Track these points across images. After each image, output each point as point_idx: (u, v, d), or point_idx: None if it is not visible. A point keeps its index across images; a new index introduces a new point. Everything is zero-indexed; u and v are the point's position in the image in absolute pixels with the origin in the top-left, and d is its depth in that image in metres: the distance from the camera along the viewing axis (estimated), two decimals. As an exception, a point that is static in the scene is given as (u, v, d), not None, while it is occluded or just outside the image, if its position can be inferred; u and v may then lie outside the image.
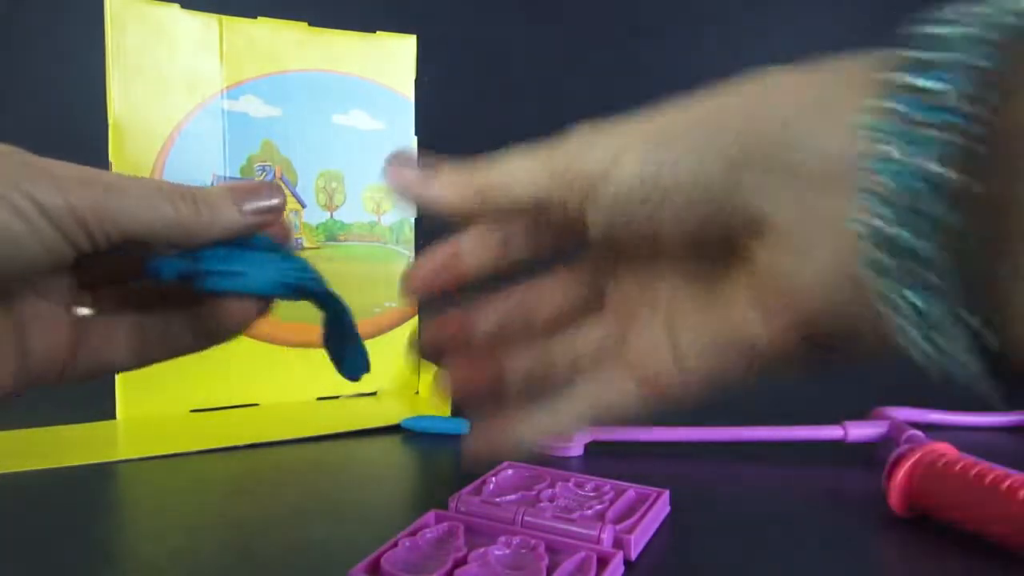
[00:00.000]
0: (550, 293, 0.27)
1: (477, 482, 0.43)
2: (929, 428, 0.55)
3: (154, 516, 0.43)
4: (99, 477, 0.49)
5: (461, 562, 0.35)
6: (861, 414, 0.56)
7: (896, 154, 0.17)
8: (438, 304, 0.27)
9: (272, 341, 0.64)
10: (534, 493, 0.42)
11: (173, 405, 0.62)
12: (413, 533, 0.37)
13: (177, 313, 0.26)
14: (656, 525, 0.40)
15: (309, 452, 0.54)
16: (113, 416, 0.60)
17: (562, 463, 0.51)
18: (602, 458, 0.52)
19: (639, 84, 0.94)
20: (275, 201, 0.24)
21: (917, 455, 0.40)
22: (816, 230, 0.18)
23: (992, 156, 0.16)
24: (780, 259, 0.19)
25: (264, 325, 0.63)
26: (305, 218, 0.68)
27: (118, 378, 0.60)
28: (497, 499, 0.41)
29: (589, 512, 0.40)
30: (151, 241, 0.22)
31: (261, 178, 0.66)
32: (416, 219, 0.72)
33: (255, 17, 0.65)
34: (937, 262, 0.17)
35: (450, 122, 0.81)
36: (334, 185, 0.69)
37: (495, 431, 0.25)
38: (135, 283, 0.27)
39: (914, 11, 0.20)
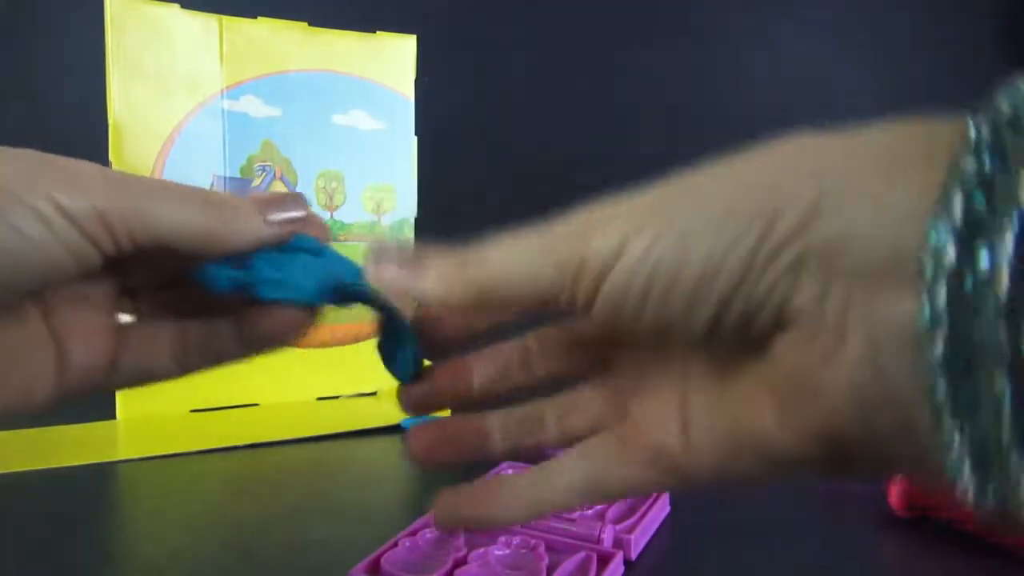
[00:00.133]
0: (551, 350, 0.25)
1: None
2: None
3: (154, 516, 0.43)
4: (99, 477, 0.49)
5: (461, 562, 0.35)
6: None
7: (955, 254, 0.14)
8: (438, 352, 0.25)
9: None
10: (534, 493, 0.42)
11: (173, 405, 0.62)
12: (413, 533, 0.37)
13: (223, 320, 0.24)
14: (656, 525, 0.40)
15: (309, 452, 0.54)
16: (113, 416, 0.60)
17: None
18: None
19: (639, 84, 0.94)
20: (300, 213, 0.23)
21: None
22: (850, 331, 0.16)
23: None
24: (805, 359, 0.17)
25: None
26: (305, 218, 0.68)
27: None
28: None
29: (589, 512, 0.40)
30: (176, 247, 0.21)
31: (261, 178, 0.66)
32: (416, 219, 0.72)
33: (255, 17, 0.65)
34: (1003, 387, 0.14)
35: (450, 122, 0.81)
36: (334, 185, 0.69)
37: (475, 498, 0.23)
38: (179, 288, 0.26)
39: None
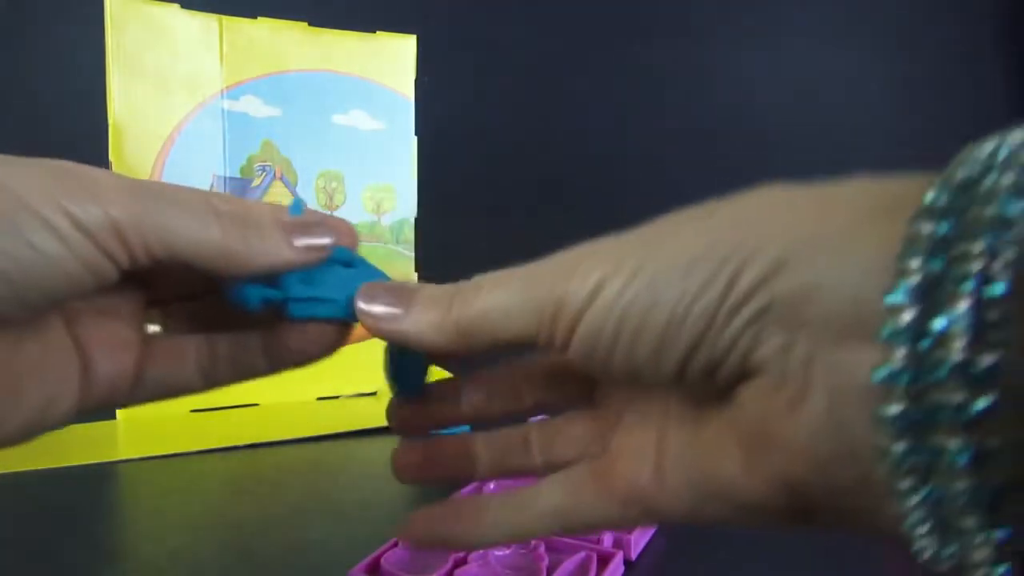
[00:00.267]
0: (540, 379, 0.25)
1: (477, 482, 0.43)
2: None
3: (154, 516, 0.43)
4: (99, 477, 0.49)
5: (461, 562, 0.35)
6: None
7: (912, 315, 0.14)
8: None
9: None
10: (534, 493, 0.42)
11: (173, 405, 0.61)
12: (413, 533, 0.37)
13: (252, 333, 0.24)
14: (656, 525, 0.40)
15: (309, 452, 0.54)
16: (113, 416, 0.60)
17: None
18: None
19: (639, 84, 0.94)
20: (327, 240, 0.22)
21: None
22: (813, 383, 0.16)
23: None
24: (769, 409, 0.17)
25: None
26: (305, 218, 0.68)
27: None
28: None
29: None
30: (192, 263, 0.21)
31: (261, 178, 0.66)
32: (416, 219, 0.72)
33: (255, 17, 0.65)
34: (958, 450, 0.14)
35: (450, 122, 0.81)
36: (334, 185, 0.69)
37: (450, 519, 0.23)
38: (207, 300, 0.25)
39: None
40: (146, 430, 0.58)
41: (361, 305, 0.22)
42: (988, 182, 0.15)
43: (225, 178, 0.64)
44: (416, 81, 0.71)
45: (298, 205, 0.25)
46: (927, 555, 0.15)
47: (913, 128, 0.96)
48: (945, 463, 0.14)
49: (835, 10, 0.96)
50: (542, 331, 0.20)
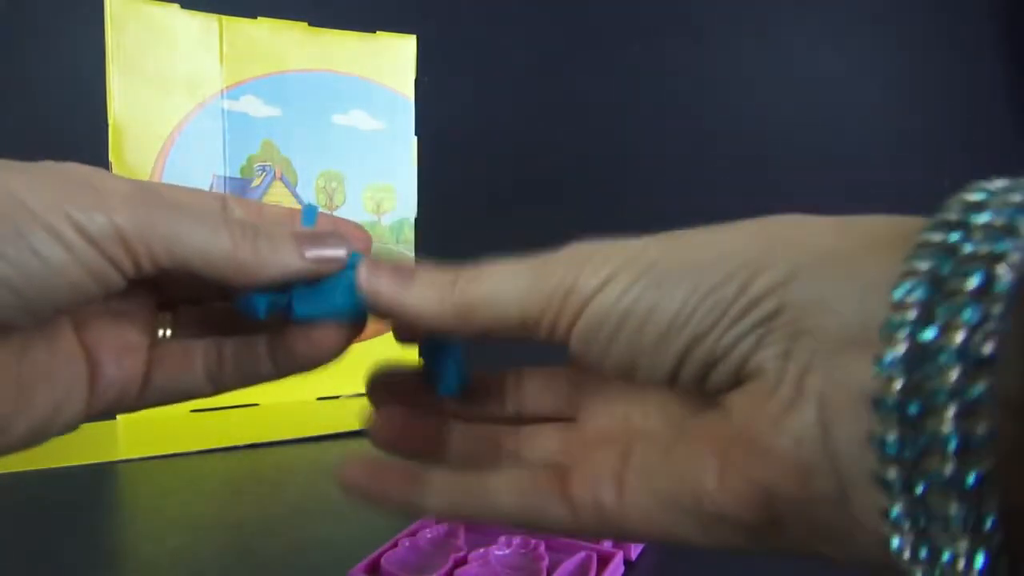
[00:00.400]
0: (524, 389, 0.25)
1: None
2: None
3: (154, 516, 0.43)
4: (99, 477, 0.49)
5: (461, 562, 0.35)
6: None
7: (907, 346, 0.15)
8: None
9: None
10: (534, 493, 0.42)
11: (173, 405, 0.61)
12: (413, 533, 0.37)
13: (258, 338, 0.24)
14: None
15: (309, 452, 0.54)
16: (113, 416, 0.60)
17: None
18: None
19: (639, 84, 0.94)
20: (340, 252, 0.22)
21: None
22: (806, 393, 0.16)
23: None
24: (757, 416, 0.17)
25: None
26: (305, 218, 0.68)
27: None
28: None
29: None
30: (200, 272, 0.21)
31: (261, 178, 0.66)
32: (416, 219, 0.72)
33: (255, 17, 0.65)
34: (957, 470, 0.14)
35: (450, 122, 0.81)
36: (334, 185, 0.69)
37: (389, 475, 0.23)
38: (215, 304, 0.25)
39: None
40: (146, 430, 0.58)
41: (364, 275, 0.21)
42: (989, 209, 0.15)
43: (225, 178, 0.64)
44: (416, 81, 0.71)
45: (312, 211, 0.25)
46: (907, 573, 0.15)
47: (913, 128, 0.96)
48: (938, 487, 0.14)
49: (835, 10, 0.96)
50: (546, 317, 0.20)
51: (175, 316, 0.25)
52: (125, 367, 0.23)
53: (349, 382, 0.68)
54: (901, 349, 0.15)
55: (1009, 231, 0.15)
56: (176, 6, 0.61)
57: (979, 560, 0.14)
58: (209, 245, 0.20)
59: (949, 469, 0.14)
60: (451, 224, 0.76)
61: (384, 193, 0.71)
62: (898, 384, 0.15)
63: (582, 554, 0.35)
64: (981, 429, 0.14)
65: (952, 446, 0.14)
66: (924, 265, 0.15)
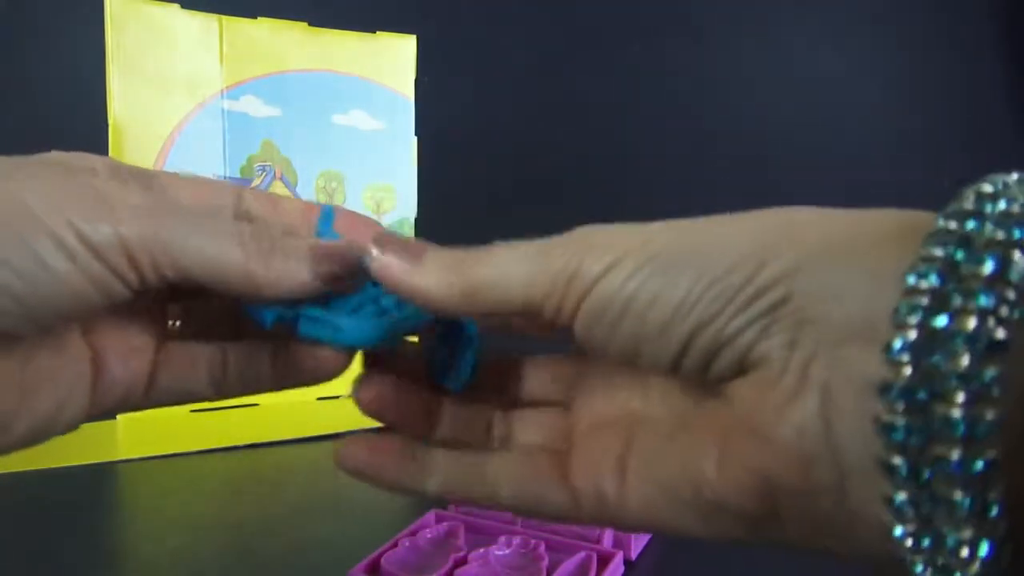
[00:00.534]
0: (526, 371, 0.25)
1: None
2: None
3: (154, 516, 0.43)
4: (99, 477, 0.49)
5: (461, 562, 0.35)
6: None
7: (919, 330, 0.15)
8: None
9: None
10: (534, 493, 0.42)
11: (173, 405, 0.62)
12: (413, 533, 0.37)
13: (264, 346, 0.24)
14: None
15: (309, 452, 0.54)
16: (113, 416, 0.60)
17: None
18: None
19: (639, 84, 0.94)
20: (359, 267, 0.22)
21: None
22: (810, 382, 0.16)
23: None
24: (759, 405, 0.17)
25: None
26: (305, 218, 0.68)
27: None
28: (497, 499, 0.41)
29: (589, 512, 0.40)
30: (207, 285, 0.20)
31: (261, 178, 0.66)
32: (416, 219, 0.72)
33: (255, 17, 0.65)
34: (964, 456, 0.14)
35: (450, 122, 0.81)
36: (334, 185, 0.69)
37: (390, 453, 0.23)
38: (222, 309, 0.25)
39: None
40: (146, 430, 0.58)
41: (374, 253, 0.21)
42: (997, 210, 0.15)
43: (225, 178, 0.64)
44: (416, 81, 0.71)
45: (329, 215, 0.25)
46: (908, 563, 0.15)
47: (913, 128, 0.96)
48: (944, 467, 0.14)
49: (835, 10, 0.96)
50: (550, 301, 0.19)
51: (183, 319, 0.25)
52: (131, 368, 0.22)
53: (349, 382, 0.68)
54: (912, 335, 0.15)
55: None
56: (176, 6, 0.61)
57: (983, 548, 0.14)
58: (218, 259, 0.20)
59: (956, 455, 0.14)
60: (451, 224, 0.76)
61: (384, 193, 0.71)
62: (907, 370, 0.15)
63: (582, 554, 0.35)
64: (990, 415, 0.14)
65: (960, 431, 0.14)
66: (938, 252, 0.15)
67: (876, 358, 0.15)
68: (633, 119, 0.93)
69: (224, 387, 0.24)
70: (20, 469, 0.48)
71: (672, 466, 0.19)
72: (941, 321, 0.14)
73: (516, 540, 0.36)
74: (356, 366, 0.25)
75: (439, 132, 0.74)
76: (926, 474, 0.14)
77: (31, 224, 0.18)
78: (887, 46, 0.98)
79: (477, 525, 0.38)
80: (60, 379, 0.21)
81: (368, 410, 0.23)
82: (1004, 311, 0.14)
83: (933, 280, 0.15)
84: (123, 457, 0.51)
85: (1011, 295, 0.14)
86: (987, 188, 0.16)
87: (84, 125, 0.60)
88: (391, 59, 0.70)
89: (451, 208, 0.77)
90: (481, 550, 0.35)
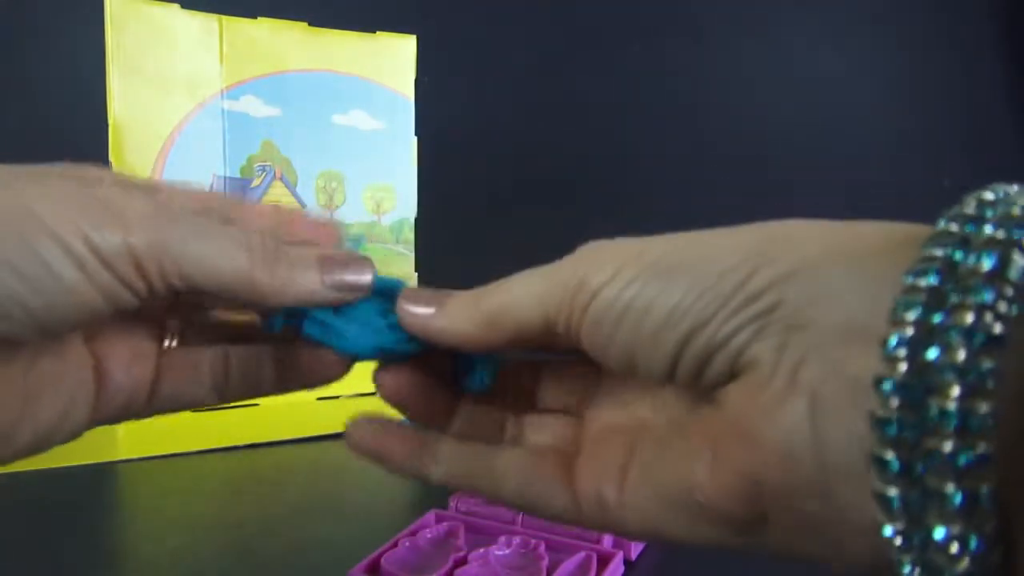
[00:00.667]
0: (543, 379, 0.25)
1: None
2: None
3: (154, 516, 0.43)
4: (99, 477, 0.49)
5: (461, 562, 0.35)
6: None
7: (915, 331, 0.15)
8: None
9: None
10: (534, 493, 0.42)
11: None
12: (413, 533, 0.37)
13: (266, 349, 0.24)
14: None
15: (309, 452, 0.54)
16: (116, 424, 0.60)
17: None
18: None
19: (639, 84, 0.94)
20: (365, 278, 0.22)
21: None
22: (799, 385, 0.16)
23: None
24: (749, 408, 0.17)
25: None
26: (305, 218, 0.68)
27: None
28: (497, 499, 0.41)
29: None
30: (215, 293, 0.20)
31: (261, 178, 0.66)
32: (416, 219, 0.72)
33: (255, 17, 0.65)
34: (957, 449, 0.14)
35: (450, 122, 0.81)
36: (334, 185, 0.69)
37: (398, 436, 0.23)
38: (225, 310, 0.25)
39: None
40: (146, 430, 0.57)
41: (404, 306, 0.22)
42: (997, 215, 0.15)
43: (225, 178, 0.64)
44: (416, 81, 0.71)
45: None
46: (896, 563, 0.15)
47: (913, 128, 0.96)
48: (936, 461, 0.14)
49: (835, 10, 0.96)
50: (562, 313, 0.20)
51: (185, 320, 0.25)
52: (134, 375, 0.23)
53: (349, 382, 0.68)
54: (909, 331, 0.15)
55: None
56: (176, 6, 0.61)
57: (972, 543, 0.14)
58: (224, 267, 0.20)
59: (949, 447, 0.14)
60: (451, 224, 0.76)
61: (384, 193, 0.71)
62: (903, 366, 0.15)
63: (582, 554, 0.35)
64: (984, 408, 0.14)
65: (954, 424, 0.14)
66: (938, 252, 0.15)
67: (869, 358, 0.15)
68: (633, 119, 0.93)
69: (227, 391, 0.24)
70: (20, 469, 0.48)
71: (668, 473, 0.20)
72: (938, 317, 0.14)
73: (516, 540, 0.36)
74: (355, 370, 0.25)
75: (439, 132, 0.74)
76: (918, 468, 0.14)
77: (40, 232, 0.18)
78: (887, 46, 0.98)
79: (477, 525, 0.38)
80: (63, 386, 0.21)
81: (387, 395, 0.24)
82: (1003, 307, 0.14)
83: (932, 279, 0.15)
84: (123, 457, 0.51)
85: (1009, 292, 0.14)
86: (989, 196, 0.16)
87: (84, 125, 0.60)
88: (391, 59, 0.70)
89: (451, 208, 0.77)
90: (481, 550, 0.35)
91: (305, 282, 0.21)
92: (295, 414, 0.63)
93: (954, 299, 0.14)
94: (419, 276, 0.71)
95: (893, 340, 0.15)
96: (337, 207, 0.69)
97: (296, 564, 0.37)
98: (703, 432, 0.19)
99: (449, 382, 0.25)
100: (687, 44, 0.94)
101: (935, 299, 0.15)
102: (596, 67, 0.93)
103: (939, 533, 0.14)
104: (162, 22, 0.61)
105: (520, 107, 0.91)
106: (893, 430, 0.15)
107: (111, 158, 0.59)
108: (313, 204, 0.68)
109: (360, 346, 0.23)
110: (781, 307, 0.17)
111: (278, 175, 0.66)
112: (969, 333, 0.14)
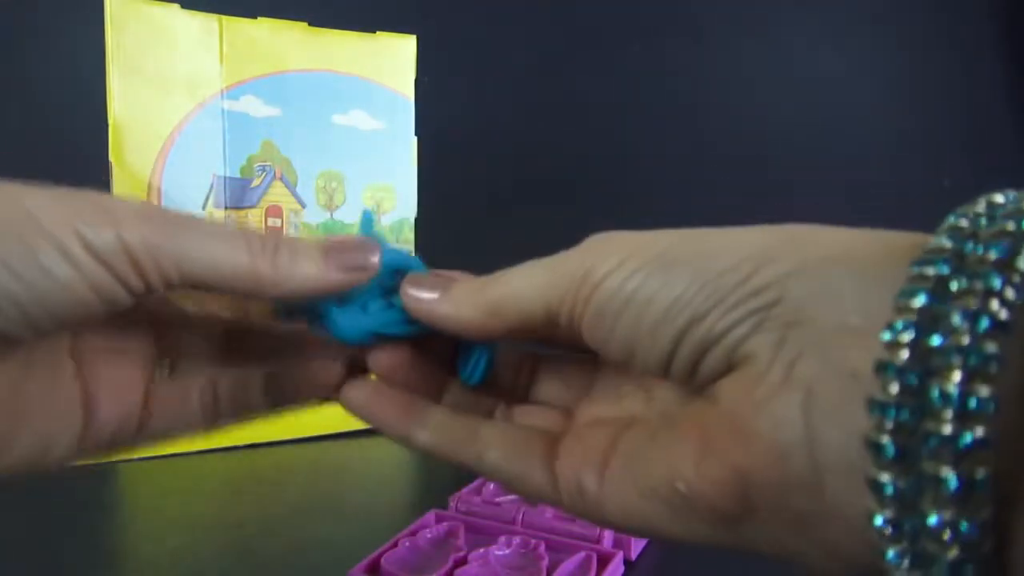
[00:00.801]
0: (540, 372, 0.25)
1: (478, 482, 0.43)
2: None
3: (154, 516, 0.43)
4: (99, 477, 0.49)
5: (461, 562, 0.35)
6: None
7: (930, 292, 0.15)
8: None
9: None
10: (534, 493, 0.42)
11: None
12: (413, 533, 0.37)
13: (254, 372, 0.24)
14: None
15: (309, 452, 0.54)
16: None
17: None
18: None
19: (639, 84, 0.94)
20: (371, 260, 0.22)
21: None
22: (794, 380, 0.16)
23: None
24: (743, 401, 0.17)
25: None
26: (305, 218, 0.68)
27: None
28: (498, 499, 0.41)
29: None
30: (214, 287, 0.20)
31: (261, 178, 0.66)
32: (416, 219, 0.72)
33: (255, 17, 0.65)
34: (955, 431, 0.14)
35: (450, 122, 0.81)
36: (334, 185, 0.69)
37: (390, 399, 0.24)
38: (212, 338, 0.25)
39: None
40: (146, 430, 0.58)
41: (408, 290, 0.22)
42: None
43: (225, 178, 0.64)
44: (416, 81, 0.71)
45: (369, 220, 0.25)
46: (884, 552, 0.15)
47: (913, 128, 0.96)
48: (933, 444, 0.14)
49: (835, 10, 0.96)
50: (565, 305, 0.20)
51: (176, 354, 0.25)
52: (122, 406, 0.23)
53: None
54: (913, 317, 0.15)
55: None
56: (176, 6, 0.61)
57: (963, 527, 0.14)
58: (225, 259, 0.20)
59: (947, 429, 0.14)
60: (451, 224, 0.76)
61: (384, 193, 0.71)
62: (905, 352, 0.15)
63: (582, 554, 0.35)
64: (985, 391, 0.14)
65: (954, 406, 0.14)
66: (947, 243, 0.15)
67: (869, 350, 0.15)
68: (633, 119, 0.93)
69: (215, 416, 0.24)
70: (20, 469, 0.48)
71: (651, 465, 0.20)
72: (943, 304, 0.14)
73: (516, 540, 0.36)
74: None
75: (439, 132, 0.74)
76: (915, 453, 0.14)
77: (36, 230, 0.18)
78: (887, 46, 0.98)
79: (477, 525, 0.38)
80: (49, 409, 0.21)
81: (381, 368, 0.24)
82: (1010, 293, 0.14)
83: (940, 268, 0.15)
84: (123, 457, 0.51)
85: (1018, 279, 0.14)
86: (999, 198, 0.16)
87: (84, 125, 0.60)
88: (391, 59, 0.70)
89: (451, 208, 0.77)
90: (481, 550, 0.35)
91: (308, 269, 0.21)
92: (295, 414, 0.63)
93: (961, 285, 0.14)
94: (419, 276, 0.71)
95: (898, 325, 0.15)
96: (337, 207, 0.69)
97: (296, 564, 0.37)
98: (693, 424, 0.19)
99: (442, 367, 0.25)
100: (687, 44, 0.94)
101: (941, 287, 0.15)
102: (596, 67, 0.93)
103: (932, 519, 0.14)
104: (162, 22, 0.61)
105: (520, 107, 0.91)
106: (892, 414, 0.15)
107: (111, 158, 0.59)
108: (313, 204, 0.68)
109: (359, 328, 0.23)
110: (781, 303, 0.17)
111: (278, 175, 0.66)
112: (974, 317, 0.14)
